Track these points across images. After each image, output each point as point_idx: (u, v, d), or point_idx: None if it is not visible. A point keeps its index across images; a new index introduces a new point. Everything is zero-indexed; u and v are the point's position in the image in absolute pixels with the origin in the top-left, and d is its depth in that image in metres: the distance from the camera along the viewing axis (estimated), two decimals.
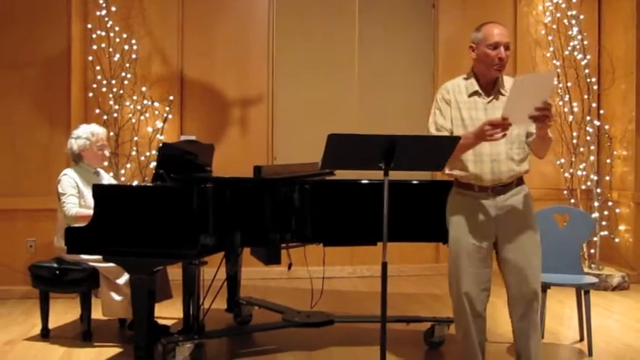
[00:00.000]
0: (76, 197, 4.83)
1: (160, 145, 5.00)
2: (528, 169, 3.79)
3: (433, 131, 3.78)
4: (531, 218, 3.80)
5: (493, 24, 3.71)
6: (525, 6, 7.47)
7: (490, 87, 3.75)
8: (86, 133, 4.99)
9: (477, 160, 3.67)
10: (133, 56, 6.72)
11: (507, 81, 3.77)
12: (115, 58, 6.66)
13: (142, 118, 6.75)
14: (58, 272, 4.85)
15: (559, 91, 7.16)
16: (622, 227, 7.17)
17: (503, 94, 3.72)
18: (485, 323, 3.83)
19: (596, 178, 7.12)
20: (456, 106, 3.73)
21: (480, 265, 3.72)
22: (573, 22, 7.11)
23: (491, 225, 3.72)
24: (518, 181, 3.79)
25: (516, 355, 3.87)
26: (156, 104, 6.80)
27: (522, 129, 3.70)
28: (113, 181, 5.45)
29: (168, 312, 5.31)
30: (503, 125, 3.40)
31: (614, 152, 7.22)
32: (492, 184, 3.69)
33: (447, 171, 3.79)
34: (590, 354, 4.61)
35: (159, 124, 6.77)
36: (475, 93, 3.73)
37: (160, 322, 4.91)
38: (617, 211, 7.20)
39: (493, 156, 3.65)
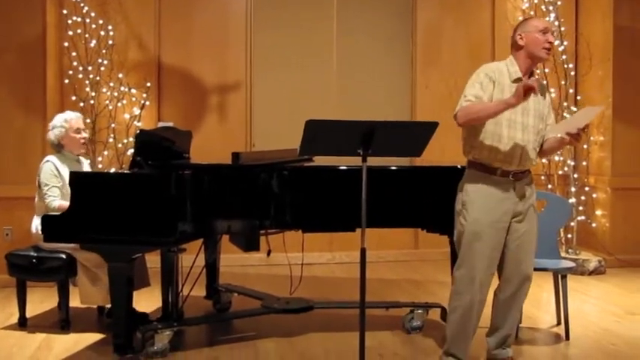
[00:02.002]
0: (57, 188, 4.79)
1: (138, 131, 4.95)
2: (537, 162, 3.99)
3: (470, 97, 3.75)
4: (535, 206, 3.97)
5: (536, 17, 4.06)
6: None
7: (528, 77, 3.88)
8: (60, 122, 4.96)
9: (509, 143, 3.76)
10: (110, 42, 6.66)
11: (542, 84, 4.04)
12: (92, 44, 6.60)
13: (119, 104, 6.70)
14: (35, 260, 4.81)
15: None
16: (599, 212, 7.23)
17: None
18: (483, 308, 3.90)
19: (573, 163, 7.17)
20: (500, 88, 3.79)
21: (495, 248, 3.82)
22: (551, 8, 7.12)
23: (509, 209, 3.82)
24: (529, 170, 3.96)
25: (492, 328, 4.04)
26: (133, 91, 6.75)
27: (544, 125, 3.92)
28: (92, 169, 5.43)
29: (147, 300, 5.29)
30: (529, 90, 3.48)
31: (591, 138, 7.27)
32: (516, 168, 3.80)
33: (470, 155, 3.87)
34: (568, 338, 4.66)
35: (136, 110, 6.72)
36: (518, 80, 3.81)
37: (139, 309, 4.89)
38: (594, 196, 7.26)
39: (524, 142, 3.78)
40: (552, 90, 7.09)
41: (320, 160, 4.72)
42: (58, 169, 4.84)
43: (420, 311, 4.81)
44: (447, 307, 3.98)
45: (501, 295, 3.96)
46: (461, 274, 3.84)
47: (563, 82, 7.16)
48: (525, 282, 3.95)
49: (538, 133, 3.87)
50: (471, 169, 3.89)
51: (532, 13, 7.20)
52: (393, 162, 4.40)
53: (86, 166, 5.19)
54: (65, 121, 4.96)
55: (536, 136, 3.85)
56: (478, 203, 3.80)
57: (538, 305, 5.57)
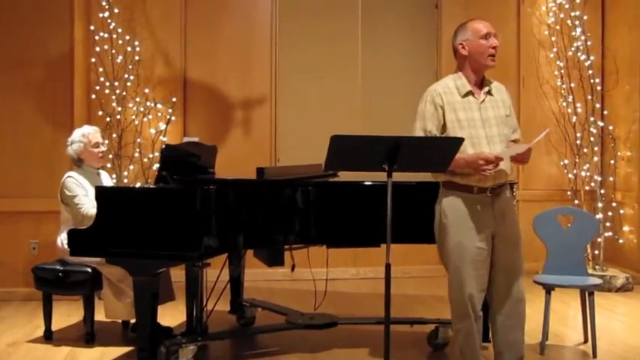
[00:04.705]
0: (87, 197, 4.83)
1: (163, 146, 4.99)
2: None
3: (420, 133, 3.75)
4: (516, 217, 3.93)
5: (475, 19, 3.85)
6: (529, 7, 7.46)
7: (479, 87, 3.80)
8: (78, 137, 5.03)
9: None
10: (136, 58, 6.72)
11: (495, 86, 3.86)
12: (118, 60, 6.66)
13: (145, 119, 6.75)
14: (61, 274, 4.85)
15: (562, 91, 7.16)
16: (626, 228, 7.15)
17: (492, 94, 3.80)
18: (482, 324, 3.84)
19: (599, 179, 7.10)
20: (450, 108, 3.72)
21: (482, 266, 3.72)
22: (577, 22, 7.09)
23: (490, 226, 3.74)
24: (507, 183, 3.88)
25: (496, 353, 3.88)
26: (159, 106, 6.80)
27: (508, 131, 3.81)
28: (112, 182, 5.48)
29: (171, 314, 5.30)
30: (496, 162, 3.55)
31: (618, 153, 7.20)
32: (492, 184, 3.71)
33: (441, 176, 3.79)
34: (595, 355, 4.60)
35: (162, 125, 6.76)
36: (469, 93, 3.75)
37: (163, 324, 4.91)
38: (621, 212, 7.18)
39: None
40: (579, 105, 7.06)
41: (344, 176, 4.71)
42: (80, 183, 4.89)
43: (445, 327, 4.76)
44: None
45: (500, 317, 3.82)
46: (454, 296, 3.76)
47: (589, 97, 7.10)
48: (518, 304, 3.81)
49: (505, 140, 3.76)
50: (445, 190, 3.80)
51: (558, 27, 7.19)
52: (418, 177, 4.39)
53: (106, 179, 5.23)
54: (83, 136, 5.02)
55: (503, 144, 3.74)
56: (458, 225, 3.72)
57: (565, 322, 5.51)
